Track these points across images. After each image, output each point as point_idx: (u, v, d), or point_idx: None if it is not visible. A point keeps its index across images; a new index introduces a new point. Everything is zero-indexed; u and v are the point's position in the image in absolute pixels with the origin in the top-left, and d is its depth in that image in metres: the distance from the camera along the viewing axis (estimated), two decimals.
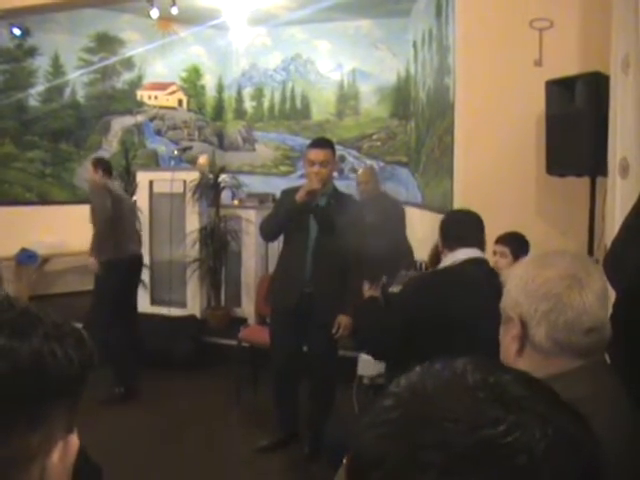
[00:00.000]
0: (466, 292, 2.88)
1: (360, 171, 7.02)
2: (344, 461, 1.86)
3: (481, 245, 3.18)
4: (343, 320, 4.14)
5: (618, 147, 3.64)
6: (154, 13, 8.44)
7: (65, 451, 0.86)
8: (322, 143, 4.43)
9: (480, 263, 3.16)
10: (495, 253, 4.21)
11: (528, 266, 1.64)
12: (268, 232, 4.58)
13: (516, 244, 4.26)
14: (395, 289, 4.72)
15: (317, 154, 4.29)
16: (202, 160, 8.02)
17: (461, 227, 3.19)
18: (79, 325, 0.92)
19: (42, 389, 0.81)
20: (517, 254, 4.21)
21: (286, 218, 4.28)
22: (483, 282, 2.98)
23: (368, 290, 3.37)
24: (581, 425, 0.72)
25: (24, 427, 0.80)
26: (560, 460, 0.67)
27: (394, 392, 0.77)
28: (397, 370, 2.81)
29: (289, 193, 4.41)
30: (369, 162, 10.46)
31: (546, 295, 1.56)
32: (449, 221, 3.34)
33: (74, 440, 0.89)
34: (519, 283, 1.61)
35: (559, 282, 1.57)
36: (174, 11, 8.45)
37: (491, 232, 4.32)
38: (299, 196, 4.23)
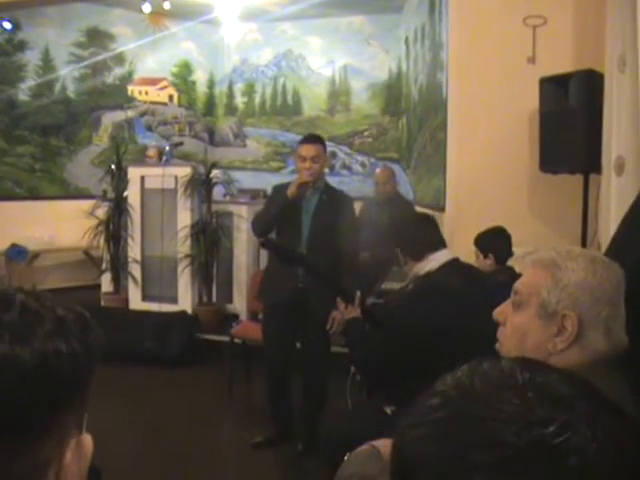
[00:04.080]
0: (456, 300, 2.87)
1: (378, 171, 6.96)
2: (346, 458, 1.85)
3: (445, 244, 3.18)
4: (337, 316, 4.12)
5: (614, 145, 3.65)
6: (146, 8, 8.43)
7: (79, 451, 0.83)
8: (313, 139, 4.42)
9: (456, 264, 3.16)
10: (476, 255, 4.20)
11: (592, 266, 1.59)
12: (260, 228, 4.56)
13: (480, 242, 4.24)
14: (387, 285, 4.74)
15: (308, 149, 4.28)
16: None
17: (423, 232, 3.17)
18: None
19: (50, 394, 0.77)
20: (485, 252, 4.19)
21: (278, 214, 4.27)
22: (470, 285, 2.98)
23: (346, 310, 3.28)
24: (628, 426, 0.72)
25: (36, 436, 0.76)
26: (610, 461, 0.67)
27: (441, 390, 0.76)
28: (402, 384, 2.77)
29: (280, 189, 4.39)
30: (360, 158, 10.48)
31: (610, 301, 1.57)
32: (408, 229, 3.29)
33: (87, 440, 0.85)
34: (583, 284, 1.57)
35: (617, 288, 1.58)
36: (166, 6, 8.43)
37: (483, 228, 4.34)
38: (290, 191, 4.22)
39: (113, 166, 7.80)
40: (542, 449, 0.66)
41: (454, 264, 3.08)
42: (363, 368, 3.21)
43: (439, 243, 3.12)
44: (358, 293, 3.28)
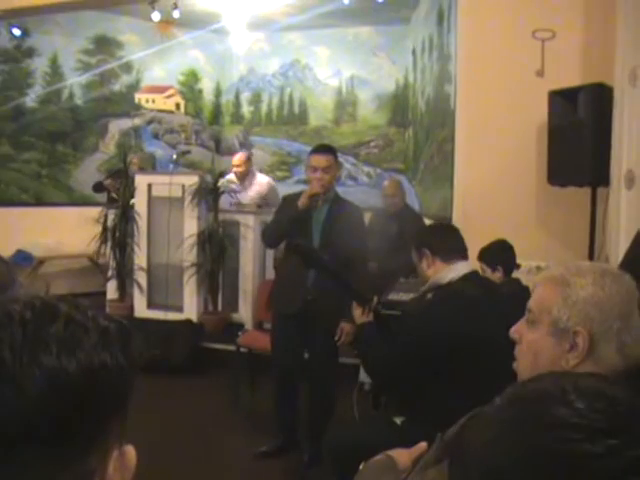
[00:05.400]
0: (478, 311, 2.88)
1: (386, 184, 6.99)
2: (361, 467, 1.85)
3: (467, 256, 3.20)
4: (346, 327, 4.12)
5: (624, 159, 3.66)
6: (155, 16, 8.43)
7: (122, 462, 0.82)
8: (324, 149, 4.40)
9: (478, 276, 3.18)
10: (483, 270, 4.20)
11: (601, 280, 1.59)
12: (271, 239, 4.57)
13: (487, 256, 4.25)
14: (393, 296, 4.73)
15: (319, 160, 4.27)
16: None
17: (454, 238, 3.19)
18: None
19: (96, 406, 0.77)
20: (493, 265, 4.21)
21: (289, 225, 4.26)
22: (490, 298, 2.99)
23: (361, 316, 3.26)
24: None
25: (82, 448, 0.76)
26: None
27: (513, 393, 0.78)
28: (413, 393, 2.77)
29: (290, 199, 4.39)
30: (366, 169, 10.48)
31: (621, 314, 1.56)
32: (440, 232, 3.32)
33: (130, 450, 0.85)
34: (592, 299, 1.57)
35: (628, 300, 1.58)
36: (176, 14, 8.43)
37: (489, 240, 4.35)
38: (301, 202, 4.22)
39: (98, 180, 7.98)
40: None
41: (474, 276, 3.10)
42: (376, 372, 3.20)
43: (465, 252, 3.14)
44: (375, 299, 3.27)
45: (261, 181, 7.64)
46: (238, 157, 7.61)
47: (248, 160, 7.57)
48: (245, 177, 7.50)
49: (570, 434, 0.69)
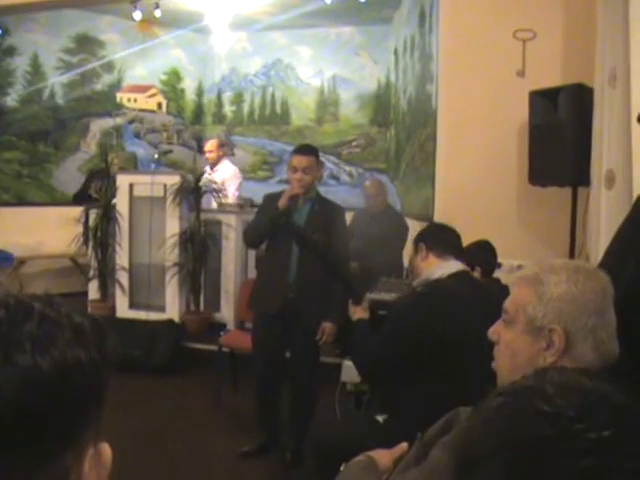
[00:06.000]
0: (463, 310, 2.89)
1: (368, 183, 7.00)
2: (342, 468, 1.85)
3: (462, 257, 3.21)
4: (327, 326, 4.13)
5: (604, 159, 3.69)
6: (137, 15, 8.40)
7: (97, 459, 0.82)
8: (305, 150, 4.39)
9: (468, 276, 3.20)
10: None
11: (574, 276, 1.60)
12: (252, 239, 4.56)
13: (468, 256, 4.26)
14: (376, 296, 4.74)
15: (300, 160, 4.27)
16: None
17: (451, 237, 3.21)
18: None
19: (71, 403, 0.76)
20: (472, 264, 4.22)
21: (270, 225, 4.25)
22: (477, 297, 3.00)
23: (355, 312, 3.28)
24: None
25: (58, 446, 0.75)
26: None
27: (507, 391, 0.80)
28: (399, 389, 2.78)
29: (272, 198, 4.38)
30: (348, 168, 10.49)
31: (595, 310, 1.57)
32: (437, 229, 3.35)
33: (106, 448, 0.84)
34: (566, 296, 1.58)
35: (602, 296, 1.59)
36: (157, 14, 8.42)
37: (472, 240, 4.36)
38: (281, 203, 4.21)
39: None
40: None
41: (463, 275, 3.11)
42: (366, 369, 3.20)
43: (460, 253, 3.16)
44: (368, 295, 3.28)
45: (227, 167, 7.85)
46: (210, 143, 7.88)
47: (220, 146, 7.76)
48: (216, 163, 7.73)
49: (539, 420, 0.71)
